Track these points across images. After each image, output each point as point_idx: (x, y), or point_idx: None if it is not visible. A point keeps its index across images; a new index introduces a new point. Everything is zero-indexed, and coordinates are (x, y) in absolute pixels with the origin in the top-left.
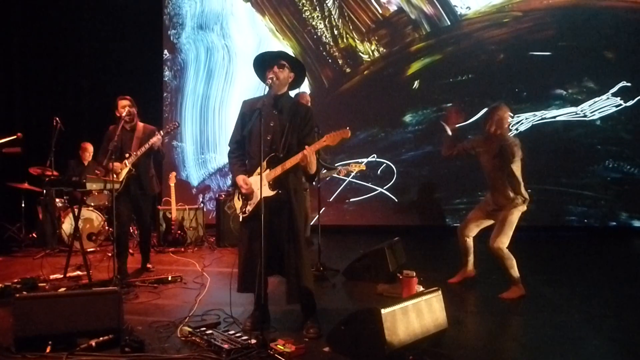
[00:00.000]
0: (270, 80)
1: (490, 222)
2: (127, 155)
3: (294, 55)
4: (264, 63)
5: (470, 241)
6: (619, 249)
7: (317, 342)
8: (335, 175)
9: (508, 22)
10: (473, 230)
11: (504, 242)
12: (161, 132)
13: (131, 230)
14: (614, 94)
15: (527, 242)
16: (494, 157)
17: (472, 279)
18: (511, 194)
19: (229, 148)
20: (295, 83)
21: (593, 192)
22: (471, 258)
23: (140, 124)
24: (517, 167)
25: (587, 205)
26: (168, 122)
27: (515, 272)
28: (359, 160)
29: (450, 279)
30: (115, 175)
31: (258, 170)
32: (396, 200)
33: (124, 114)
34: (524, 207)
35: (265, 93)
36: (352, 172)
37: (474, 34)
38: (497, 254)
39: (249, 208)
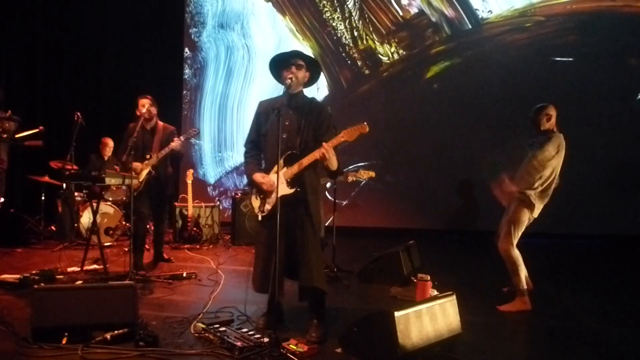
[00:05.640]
0: (289, 81)
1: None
2: (148, 156)
3: (308, 54)
4: (280, 63)
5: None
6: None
7: (329, 342)
8: (341, 179)
9: (530, 27)
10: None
11: (508, 241)
12: (181, 137)
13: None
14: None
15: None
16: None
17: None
18: (524, 185)
19: (244, 149)
20: (310, 81)
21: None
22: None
23: (161, 124)
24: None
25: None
26: (188, 126)
27: (520, 280)
28: (376, 162)
29: (505, 288)
30: (135, 175)
31: (275, 168)
32: (412, 203)
33: (143, 112)
34: (531, 208)
35: (283, 93)
36: (361, 179)
37: (495, 38)
38: (502, 256)
39: (268, 207)
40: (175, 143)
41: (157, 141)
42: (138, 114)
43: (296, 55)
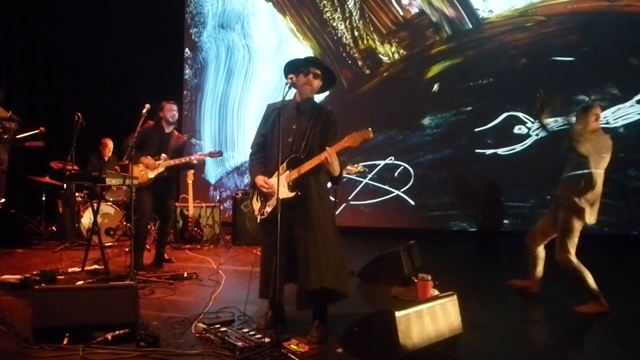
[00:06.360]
0: (304, 88)
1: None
2: (163, 156)
3: (326, 65)
4: (297, 67)
5: (539, 251)
6: None
7: (330, 342)
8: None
9: (531, 27)
10: (539, 239)
11: (564, 251)
12: (204, 154)
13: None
14: (638, 101)
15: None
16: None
17: (532, 294)
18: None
19: (250, 150)
20: (322, 88)
21: (614, 200)
22: (539, 270)
23: (175, 132)
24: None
25: (608, 213)
26: (189, 126)
27: (589, 284)
28: (376, 162)
29: (513, 280)
30: (145, 170)
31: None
32: (413, 203)
33: (168, 117)
34: (581, 214)
35: (285, 93)
36: (350, 174)
37: (495, 38)
38: (563, 267)
39: (268, 210)
40: (198, 156)
41: (172, 145)
42: (161, 116)
43: (314, 63)
